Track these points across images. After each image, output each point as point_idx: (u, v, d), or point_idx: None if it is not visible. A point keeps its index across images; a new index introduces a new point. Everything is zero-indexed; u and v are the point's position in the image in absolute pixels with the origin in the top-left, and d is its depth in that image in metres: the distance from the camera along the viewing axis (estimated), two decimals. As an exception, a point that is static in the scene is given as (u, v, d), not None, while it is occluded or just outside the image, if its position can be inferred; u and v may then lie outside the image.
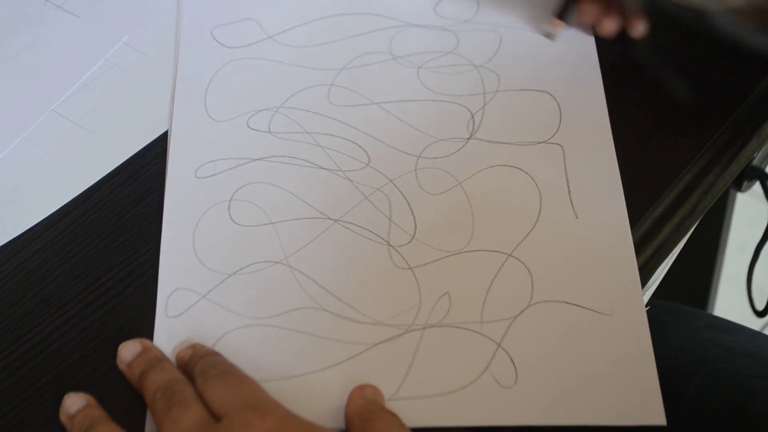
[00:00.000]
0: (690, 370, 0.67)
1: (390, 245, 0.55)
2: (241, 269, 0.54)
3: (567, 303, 0.52)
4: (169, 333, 0.52)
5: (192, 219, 0.56)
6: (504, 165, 0.57)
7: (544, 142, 0.58)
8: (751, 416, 0.63)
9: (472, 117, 0.60)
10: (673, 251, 0.59)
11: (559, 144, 0.58)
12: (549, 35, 0.62)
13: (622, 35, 0.61)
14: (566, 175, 0.56)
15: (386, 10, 0.65)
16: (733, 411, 0.64)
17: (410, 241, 0.55)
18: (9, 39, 0.66)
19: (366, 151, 0.59)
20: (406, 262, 0.54)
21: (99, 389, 0.50)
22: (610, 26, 0.60)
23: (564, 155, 0.57)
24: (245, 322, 0.52)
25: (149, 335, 0.52)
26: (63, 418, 0.49)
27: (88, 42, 0.65)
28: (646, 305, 0.59)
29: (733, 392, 0.64)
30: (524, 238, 0.54)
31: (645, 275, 0.54)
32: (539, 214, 0.55)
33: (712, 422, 0.64)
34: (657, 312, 0.73)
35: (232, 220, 0.56)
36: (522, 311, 0.52)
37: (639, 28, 0.58)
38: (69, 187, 0.58)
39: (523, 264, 0.53)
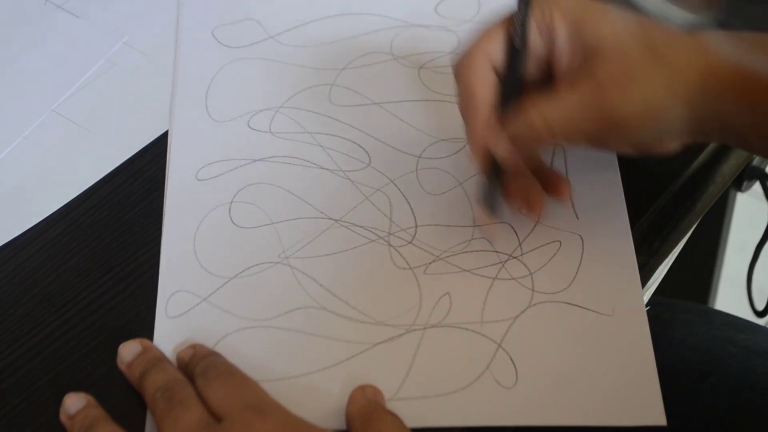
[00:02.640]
0: (705, 368, 0.66)
1: (390, 245, 0.55)
2: (242, 272, 0.54)
3: (567, 303, 0.52)
4: (170, 333, 0.52)
5: (193, 223, 0.56)
6: (504, 165, 0.57)
7: (544, 142, 0.58)
8: (766, 415, 0.63)
9: (473, 117, 0.59)
10: (673, 251, 0.58)
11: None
12: (487, 235, 0.53)
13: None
14: (567, 176, 0.56)
15: (387, 10, 0.65)
16: (748, 410, 0.64)
17: (411, 242, 0.55)
18: (9, 39, 0.66)
19: (367, 152, 0.58)
20: (407, 262, 0.54)
21: (99, 389, 0.50)
22: (541, 202, 0.53)
23: (564, 155, 0.57)
24: (246, 324, 0.52)
25: (149, 335, 0.52)
26: (63, 418, 0.49)
27: (88, 42, 0.65)
28: (648, 304, 0.59)
29: (749, 391, 0.64)
30: (525, 238, 0.54)
31: (645, 275, 0.54)
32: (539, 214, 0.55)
33: (727, 421, 0.64)
34: (672, 311, 0.73)
35: (233, 223, 0.56)
36: (522, 311, 0.52)
37: (566, 193, 0.52)
38: (69, 187, 0.58)
39: (524, 264, 0.53)
